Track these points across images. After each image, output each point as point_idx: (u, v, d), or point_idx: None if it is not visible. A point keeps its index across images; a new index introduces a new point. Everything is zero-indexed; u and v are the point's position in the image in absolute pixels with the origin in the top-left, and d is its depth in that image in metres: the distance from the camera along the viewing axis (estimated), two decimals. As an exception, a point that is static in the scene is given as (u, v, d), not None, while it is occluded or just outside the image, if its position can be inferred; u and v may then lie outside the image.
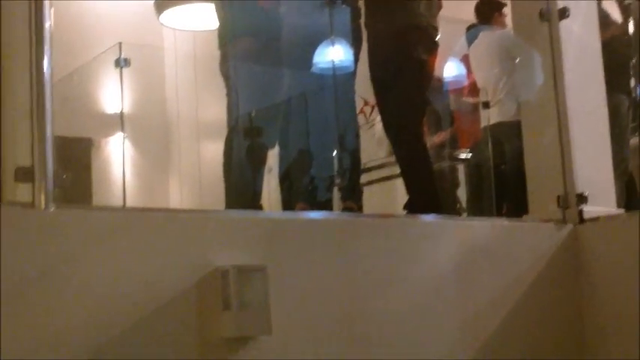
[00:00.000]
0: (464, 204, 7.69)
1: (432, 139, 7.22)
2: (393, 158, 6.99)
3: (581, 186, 5.55)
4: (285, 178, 6.11)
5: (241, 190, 5.85)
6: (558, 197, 5.53)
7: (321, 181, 6.01)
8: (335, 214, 5.08)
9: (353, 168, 6.17)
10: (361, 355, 4.71)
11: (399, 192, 6.86)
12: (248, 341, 4.29)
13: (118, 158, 8.26)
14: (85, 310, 3.96)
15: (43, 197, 3.98)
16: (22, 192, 4.24)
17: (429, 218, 5.21)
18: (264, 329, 4.24)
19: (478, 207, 7.19)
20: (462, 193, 7.89)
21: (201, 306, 4.22)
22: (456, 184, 7.85)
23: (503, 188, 6.69)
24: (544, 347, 5.26)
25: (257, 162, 5.94)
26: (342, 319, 4.67)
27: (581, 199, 5.52)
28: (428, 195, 5.77)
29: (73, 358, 3.92)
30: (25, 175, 4.04)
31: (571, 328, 5.36)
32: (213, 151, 7.18)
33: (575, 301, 5.39)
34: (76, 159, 7.92)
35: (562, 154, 5.60)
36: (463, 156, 7.86)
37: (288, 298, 4.47)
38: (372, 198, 7.28)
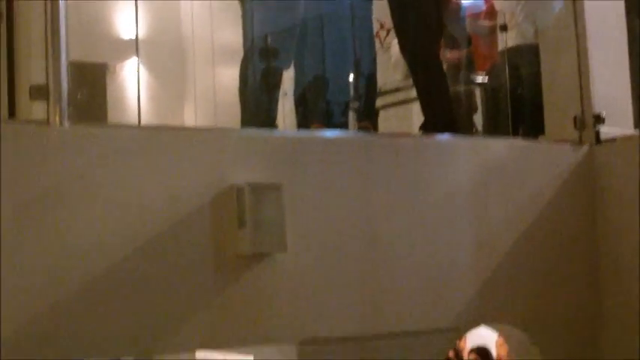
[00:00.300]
0: (480, 129, 7.64)
1: (446, 55, 7.14)
2: (408, 82, 6.96)
3: (598, 107, 5.52)
4: (300, 102, 6.07)
5: (257, 112, 5.82)
6: (575, 118, 5.50)
7: (337, 104, 5.97)
8: (350, 134, 5.06)
9: (369, 90, 6.13)
10: (375, 273, 4.74)
11: (414, 116, 6.83)
12: (263, 258, 4.33)
13: (132, 83, 8.22)
14: (99, 226, 3.99)
15: (57, 115, 3.98)
16: (37, 111, 4.25)
17: (444, 138, 5.19)
18: (278, 247, 4.27)
19: (494, 130, 7.15)
20: (478, 119, 7.84)
21: (217, 223, 4.24)
22: (473, 109, 7.80)
23: (519, 111, 6.64)
24: (559, 266, 5.27)
25: (272, 85, 5.90)
26: (356, 237, 4.69)
27: (598, 119, 5.49)
28: (444, 115, 5.74)
29: (88, 273, 3.96)
30: (40, 92, 4.04)
31: (585, 248, 5.37)
32: (229, 75, 7.14)
33: (591, 221, 5.38)
34: (91, 83, 7.89)
35: (580, 75, 5.56)
36: (480, 80, 7.79)
37: (303, 217, 4.49)
38: (388, 122, 7.24)
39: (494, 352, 9.41)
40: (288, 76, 6.14)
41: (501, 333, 5.48)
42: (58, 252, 3.89)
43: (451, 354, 8.39)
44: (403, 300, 4.81)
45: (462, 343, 9.38)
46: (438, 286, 4.90)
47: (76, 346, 4.01)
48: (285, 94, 6.25)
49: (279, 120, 6.06)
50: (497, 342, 9.33)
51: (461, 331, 5.17)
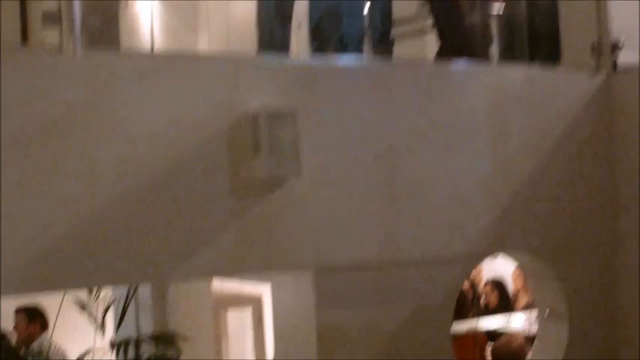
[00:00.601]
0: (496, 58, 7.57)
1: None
2: (424, 10, 6.87)
3: (616, 34, 5.45)
4: (315, 33, 6.01)
5: (270, 43, 5.78)
6: (592, 45, 5.43)
7: (352, 34, 5.91)
8: (366, 61, 5.00)
9: (384, 19, 6.06)
10: (392, 201, 4.73)
11: (430, 46, 6.76)
12: (279, 184, 4.32)
13: (146, 13, 8.15)
14: (113, 154, 3.98)
15: (70, 41, 3.95)
16: (50, 37, 4.22)
17: (460, 65, 5.14)
18: (293, 171, 4.26)
19: (511, 58, 7.08)
20: (494, 51, 7.76)
21: (232, 149, 4.22)
22: (488, 40, 7.71)
23: (536, 39, 6.56)
24: (576, 194, 5.26)
25: (284, 16, 5.84)
26: (373, 165, 4.68)
27: (616, 47, 5.42)
28: (459, 42, 5.68)
29: (103, 200, 3.97)
30: (52, 18, 4.01)
31: (602, 176, 5.34)
32: (242, 4, 7.09)
33: (608, 150, 5.35)
34: (104, 11, 7.82)
35: (597, 1, 5.48)
36: (496, 10, 7.70)
37: (318, 143, 4.47)
38: (403, 51, 7.17)
39: (510, 285, 9.46)
40: (303, 8, 6.07)
41: (518, 262, 5.46)
42: (72, 179, 3.89)
43: (466, 286, 8.42)
44: (420, 228, 4.81)
45: (477, 276, 9.43)
46: (455, 214, 4.90)
47: (93, 274, 4.02)
48: (300, 25, 6.19)
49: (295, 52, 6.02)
50: (513, 274, 9.39)
51: (478, 259, 5.16)
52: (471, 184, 4.96)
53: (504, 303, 9.01)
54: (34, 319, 7.50)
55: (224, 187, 4.22)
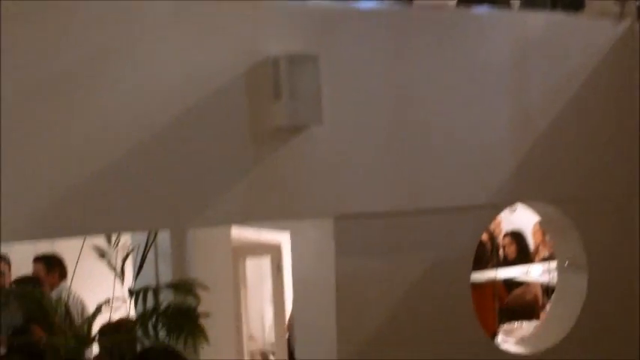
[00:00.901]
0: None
1: None
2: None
3: (641, -19, 5.39)
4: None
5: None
6: (616, -9, 5.36)
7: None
8: (387, 5, 4.92)
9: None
10: (413, 149, 4.70)
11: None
12: (299, 131, 4.29)
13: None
14: (132, 99, 3.96)
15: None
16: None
17: (481, 11, 5.07)
18: (315, 118, 4.21)
19: (533, 4, 6.99)
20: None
21: (252, 95, 4.19)
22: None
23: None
24: (596, 142, 5.21)
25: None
26: (393, 112, 4.64)
27: (641, -6, 5.35)
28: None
29: (124, 144, 3.95)
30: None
31: (623, 123, 5.28)
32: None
33: (630, 97, 5.29)
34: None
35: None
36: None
37: (339, 89, 4.42)
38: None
39: (529, 239, 9.42)
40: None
41: (538, 212, 5.43)
42: (94, 124, 3.88)
43: (485, 237, 8.38)
44: (440, 176, 4.78)
45: (496, 228, 9.39)
46: (475, 162, 4.87)
47: (112, 219, 4.02)
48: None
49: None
50: (533, 228, 9.35)
51: (498, 209, 5.13)
52: (492, 133, 4.92)
53: (523, 255, 8.97)
54: (52, 268, 7.48)
55: (244, 133, 4.20)
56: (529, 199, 5.19)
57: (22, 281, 7.16)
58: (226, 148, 4.18)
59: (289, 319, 7.37)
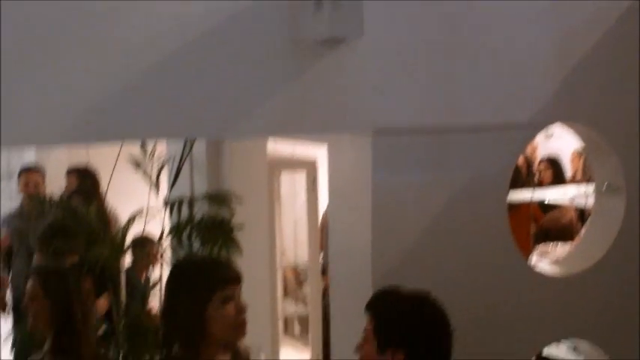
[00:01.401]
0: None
1: None
2: None
3: None
4: None
5: None
6: None
7: None
8: None
9: None
10: (453, 65, 4.65)
11: None
12: (339, 44, 4.22)
13: None
14: (170, 7, 3.93)
15: None
16: None
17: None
18: (355, 31, 4.13)
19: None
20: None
21: (293, 5, 4.10)
22: None
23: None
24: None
25: None
26: (435, 28, 4.58)
27: None
28: None
29: (160, 54, 3.94)
30: None
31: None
32: None
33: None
34: None
35: None
36: None
37: (381, 3, 4.36)
38: None
39: (567, 166, 9.36)
40: None
41: (577, 133, 5.35)
42: (131, 30, 3.86)
43: (521, 161, 8.33)
44: (480, 94, 4.73)
45: (532, 154, 9.33)
46: (515, 81, 4.80)
47: (148, 126, 4.02)
48: None
49: None
50: (572, 155, 9.29)
51: (537, 129, 5.07)
52: (532, 51, 4.84)
53: (558, 182, 8.92)
54: (85, 180, 7.45)
55: (283, 44, 4.15)
56: (568, 121, 5.11)
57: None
58: (265, 58, 4.14)
59: (322, 235, 7.39)
